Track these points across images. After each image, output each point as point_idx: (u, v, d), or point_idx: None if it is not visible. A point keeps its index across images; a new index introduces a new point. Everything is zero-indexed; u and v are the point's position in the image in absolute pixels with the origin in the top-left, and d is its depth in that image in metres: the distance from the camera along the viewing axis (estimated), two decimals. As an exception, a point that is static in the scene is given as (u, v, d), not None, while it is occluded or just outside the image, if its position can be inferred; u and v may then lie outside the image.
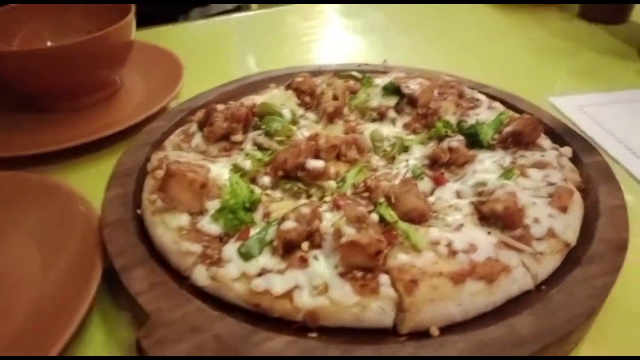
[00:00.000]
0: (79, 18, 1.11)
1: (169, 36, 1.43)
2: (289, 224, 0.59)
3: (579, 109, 1.03)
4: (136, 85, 1.12)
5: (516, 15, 1.56)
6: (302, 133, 0.83)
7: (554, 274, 0.60)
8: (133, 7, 1.00)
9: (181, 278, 0.60)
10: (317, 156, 0.73)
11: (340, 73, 0.99)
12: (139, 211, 0.70)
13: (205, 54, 1.34)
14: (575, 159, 0.77)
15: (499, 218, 0.62)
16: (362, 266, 0.56)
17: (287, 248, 0.59)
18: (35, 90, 1.01)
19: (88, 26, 1.06)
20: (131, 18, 0.99)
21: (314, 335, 0.54)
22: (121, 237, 0.65)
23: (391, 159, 0.79)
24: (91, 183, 0.77)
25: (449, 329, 0.54)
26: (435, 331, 0.53)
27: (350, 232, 0.56)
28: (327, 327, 0.55)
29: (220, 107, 0.82)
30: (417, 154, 0.78)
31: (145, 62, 1.15)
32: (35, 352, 0.54)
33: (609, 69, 1.25)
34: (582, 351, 0.57)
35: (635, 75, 1.21)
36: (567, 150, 0.77)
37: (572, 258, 0.62)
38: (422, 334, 0.54)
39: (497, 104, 0.89)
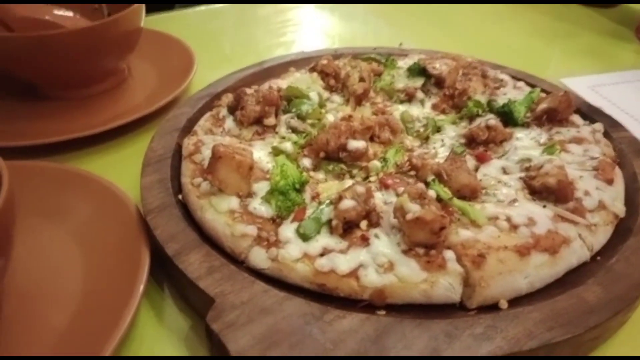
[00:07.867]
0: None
1: (165, 21, 1.39)
2: (348, 203, 0.58)
3: (591, 89, 1.05)
4: (145, 73, 1.08)
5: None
6: (331, 116, 0.82)
7: (606, 245, 0.61)
8: None
9: (236, 261, 0.59)
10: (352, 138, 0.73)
11: (361, 56, 0.98)
12: (180, 196, 0.68)
13: (209, 41, 1.31)
14: (605, 135, 0.78)
15: (551, 192, 0.62)
16: (423, 243, 0.56)
17: (346, 227, 0.59)
18: (38, 77, 0.97)
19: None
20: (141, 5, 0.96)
21: (382, 312, 0.53)
22: (168, 222, 0.63)
23: (425, 139, 0.79)
24: (110, 171, 0.74)
25: (516, 301, 0.54)
26: (504, 304, 0.54)
27: (415, 209, 0.55)
28: (393, 304, 0.54)
29: (249, 90, 0.80)
30: (451, 134, 0.79)
31: (153, 50, 1.12)
32: (86, 354, 0.51)
33: (609, 50, 1.28)
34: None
35: (635, 56, 1.25)
36: (599, 126, 0.78)
37: (622, 229, 0.63)
38: (489, 308, 0.54)
39: (521, 84, 0.91)
